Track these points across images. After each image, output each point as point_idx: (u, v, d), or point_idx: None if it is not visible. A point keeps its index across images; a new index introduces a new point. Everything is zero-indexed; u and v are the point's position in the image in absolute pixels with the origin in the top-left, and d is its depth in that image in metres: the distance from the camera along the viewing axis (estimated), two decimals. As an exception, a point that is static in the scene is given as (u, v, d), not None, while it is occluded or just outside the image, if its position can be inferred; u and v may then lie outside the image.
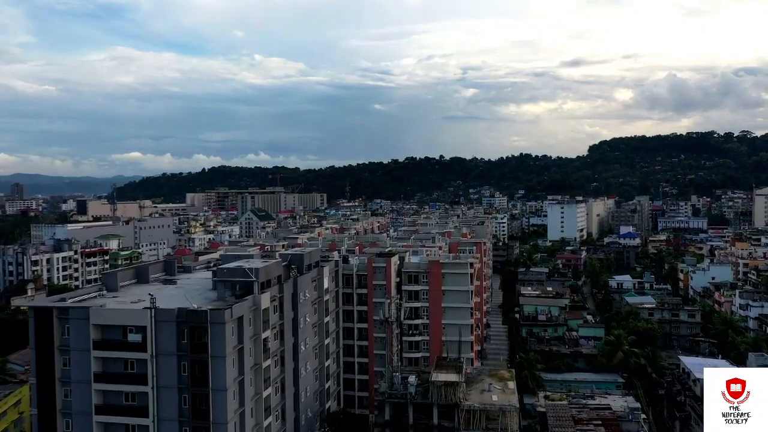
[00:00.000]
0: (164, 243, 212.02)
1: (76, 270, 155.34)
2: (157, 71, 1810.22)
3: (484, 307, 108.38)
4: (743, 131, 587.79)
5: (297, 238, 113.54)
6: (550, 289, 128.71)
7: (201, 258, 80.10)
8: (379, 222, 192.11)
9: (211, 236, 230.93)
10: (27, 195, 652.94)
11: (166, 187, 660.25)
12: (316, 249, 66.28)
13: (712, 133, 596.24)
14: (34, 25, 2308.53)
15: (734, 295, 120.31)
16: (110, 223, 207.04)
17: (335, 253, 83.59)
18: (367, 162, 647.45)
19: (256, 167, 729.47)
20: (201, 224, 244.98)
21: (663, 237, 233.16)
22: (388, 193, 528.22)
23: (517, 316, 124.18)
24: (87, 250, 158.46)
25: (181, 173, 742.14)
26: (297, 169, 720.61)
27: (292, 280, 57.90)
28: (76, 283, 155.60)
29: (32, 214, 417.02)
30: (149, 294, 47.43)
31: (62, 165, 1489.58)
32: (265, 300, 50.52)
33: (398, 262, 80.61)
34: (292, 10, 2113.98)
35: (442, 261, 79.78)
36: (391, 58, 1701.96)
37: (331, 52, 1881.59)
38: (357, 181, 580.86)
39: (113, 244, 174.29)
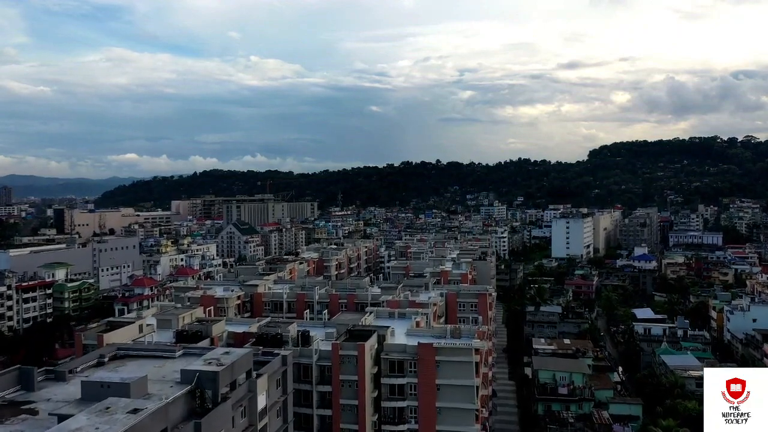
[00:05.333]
0: (128, 266, 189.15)
1: (10, 308, 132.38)
2: (153, 72, 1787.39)
3: (490, 373, 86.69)
4: (747, 136, 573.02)
5: (258, 285, 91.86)
6: (567, 341, 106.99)
7: (109, 336, 57.84)
8: (367, 246, 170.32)
9: (182, 256, 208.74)
10: (20, 197, 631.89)
11: (157, 191, 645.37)
12: (247, 354, 44.25)
13: (715, 138, 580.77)
14: (30, 26, 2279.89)
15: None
16: (63, 246, 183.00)
17: (293, 326, 61.82)
18: (362, 166, 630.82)
19: (248, 171, 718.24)
20: (173, 242, 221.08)
21: (681, 259, 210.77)
22: (384, 199, 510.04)
23: (528, 371, 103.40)
24: (24, 284, 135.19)
25: (173, 176, 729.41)
26: (291, 173, 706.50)
27: (192, 425, 35.97)
28: (11, 323, 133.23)
29: (12, 221, 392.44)
30: None
31: (57, 166, 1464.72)
32: (121, 499, 28.55)
33: (375, 345, 58.85)
34: (288, 12, 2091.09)
35: (435, 345, 57.93)
36: (388, 60, 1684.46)
37: (328, 53, 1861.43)
38: (352, 186, 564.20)
39: (60, 274, 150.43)
